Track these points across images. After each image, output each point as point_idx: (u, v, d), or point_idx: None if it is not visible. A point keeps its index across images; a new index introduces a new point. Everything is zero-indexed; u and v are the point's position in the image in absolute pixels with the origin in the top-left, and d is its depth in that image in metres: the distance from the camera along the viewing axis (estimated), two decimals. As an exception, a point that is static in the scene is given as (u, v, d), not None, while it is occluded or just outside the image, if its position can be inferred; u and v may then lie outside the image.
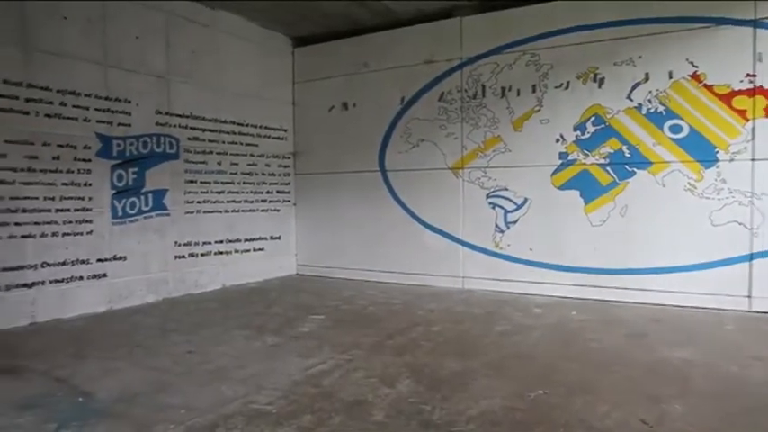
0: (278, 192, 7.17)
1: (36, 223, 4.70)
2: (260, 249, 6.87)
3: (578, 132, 5.64)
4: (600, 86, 5.53)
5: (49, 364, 3.58)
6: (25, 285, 4.65)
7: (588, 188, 5.60)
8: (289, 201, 7.35)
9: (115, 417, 2.76)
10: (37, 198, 4.70)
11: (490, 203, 6.13)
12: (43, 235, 4.75)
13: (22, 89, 4.61)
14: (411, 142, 6.58)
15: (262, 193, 6.92)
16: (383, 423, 2.66)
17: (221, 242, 6.37)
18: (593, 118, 5.57)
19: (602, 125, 5.52)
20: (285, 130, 7.28)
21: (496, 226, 6.09)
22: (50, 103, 4.79)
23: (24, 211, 4.62)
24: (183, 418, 2.71)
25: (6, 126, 4.50)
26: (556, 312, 5.05)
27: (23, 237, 4.62)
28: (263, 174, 6.95)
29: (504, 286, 6.00)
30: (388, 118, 6.71)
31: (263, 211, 6.93)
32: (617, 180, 5.47)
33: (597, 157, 5.55)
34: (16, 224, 4.57)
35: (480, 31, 6.14)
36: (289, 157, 7.35)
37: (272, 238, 7.05)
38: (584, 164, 5.62)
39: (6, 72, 4.50)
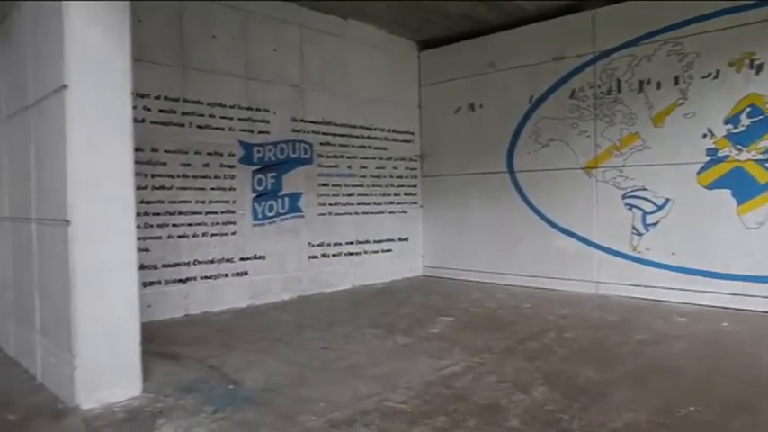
0: (405, 194, 7.29)
1: (189, 225, 5.17)
2: (387, 250, 7.03)
3: (730, 126, 5.14)
4: (758, 73, 4.99)
5: (203, 353, 3.92)
6: (180, 281, 5.13)
7: (742, 187, 5.08)
8: (416, 203, 7.44)
9: (262, 405, 2.96)
10: (190, 202, 5.17)
11: (627, 204, 5.78)
12: (195, 235, 5.22)
13: (178, 104, 5.10)
14: (540, 142, 6.39)
15: (390, 195, 7.08)
16: (519, 429, 2.61)
17: (351, 243, 6.60)
18: (748, 109, 5.05)
19: (761, 116, 4.98)
20: (412, 133, 7.39)
21: (634, 228, 5.72)
22: (201, 115, 5.26)
23: (180, 213, 5.11)
24: (323, 411, 2.84)
25: (166, 137, 5.01)
26: (703, 322, 4.64)
27: (179, 237, 5.11)
28: (391, 176, 7.11)
29: (642, 292, 5.62)
30: (516, 118, 6.57)
31: (390, 212, 7.09)
32: (778, 177, 4.92)
33: (754, 152, 5.02)
34: (173, 225, 5.07)
35: (614, 22, 5.81)
36: (416, 160, 7.44)
37: (399, 239, 7.18)
38: (738, 160, 5.11)
39: (167, 89, 5.01)
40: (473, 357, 3.72)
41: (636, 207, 5.72)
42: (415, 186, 7.44)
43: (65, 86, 2.86)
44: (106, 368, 3.00)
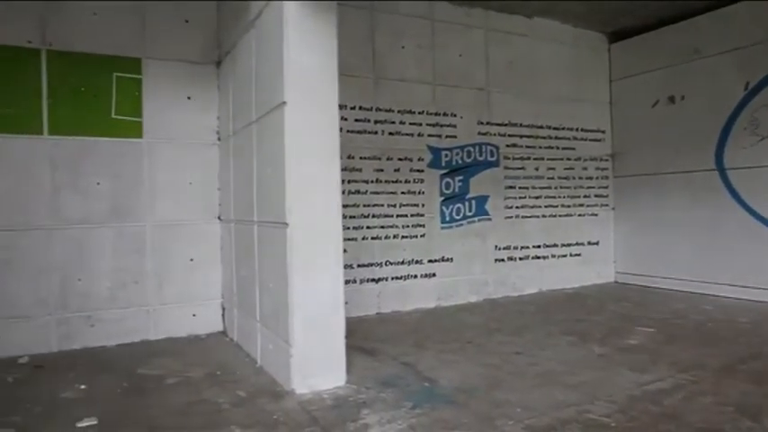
0: (595, 195, 6.92)
1: (382, 227, 5.46)
2: (576, 255, 6.73)
3: None
4: None
5: (397, 350, 4.10)
6: (373, 280, 5.43)
7: None
8: (607, 205, 7.03)
9: (458, 405, 3.01)
10: (382, 205, 5.46)
11: None
12: (386, 237, 5.50)
13: (371, 113, 5.42)
14: (759, 134, 5.62)
15: (579, 197, 6.78)
16: (748, 459, 2.33)
17: (538, 247, 6.44)
18: None
19: None
20: (603, 131, 6.99)
21: None
22: (392, 122, 5.53)
23: (373, 216, 5.42)
24: (521, 417, 2.81)
25: (361, 144, 5.36)
26: None
27: (372, 239, 5.42)
28: (580, 177, 6.80)
29: None
30: (726, 108, 5.86)
31: (579, 215, 6.78)
32: None
33: None
34: (367, 227, 5.39)
35: None
36: (607, 159, 7.03)
37: (589, 243, 6.83)
38: None
39: (361, 99, 5.36)
40: (682, 374, 3.40)
41: None
42: (606, 188, 7.02)
43: (284, 103, 3.21)
44: (316, 358, 3.29)
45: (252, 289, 3.99)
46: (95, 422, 2.87)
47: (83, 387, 3.43)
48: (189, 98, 4.79)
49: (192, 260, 4.79)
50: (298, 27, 3.21)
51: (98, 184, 4.46)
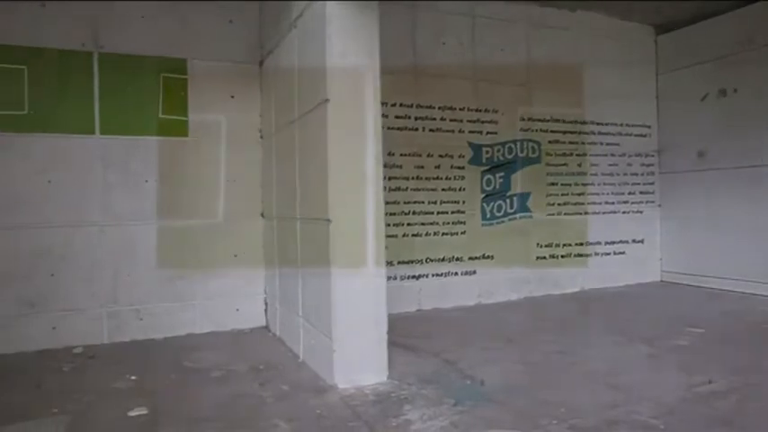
0: (640, 192, 6.75)
1: (422, 224, 5.46)
2: (620, 253, 6.57)
3: None
4: None
5: (438, 347, 4.08)
6: (413, 277, 5.43)
7: None
8: (652, 201, 6.84)
9: (499, 403, 2.98)
10: (423, 202, 5.46)
11: None
12: (427, 234, 5.49)
13: (412, 109, 5.42)
14: (818, 128, 5.39)
15: (623, 194, 6.62)
16: (807, 465, 2.24)
17: (581, 244, 6.32)
18: None
19: None
20: (648, 127, 6.81)
21: None
22: (433, 119, 5.51)
23: (414, 213, 5.41)
24: (565, 417, 2.76)
25: (402, 142, 5.35)
26: None
27: (413, 235, 5.42)
28: (625, 174, 6.64)
29: None
30: (783, 101, 5.64)
31: (624, 212, 6.62)
32: None
33: None
34: (408, 224, 5.39)
35: None
36: (652, 155, 6.84)
37: (633, 241, 6.67)
38: None
39: (402, 96, 5.35)
40: (737, 377, 3.29)
41: None
42: (651, 184, 6.84)
43: (327, 100, 3.24)
44: (359, 354, 3.31)
45: (294, 285, 4.05)
46: (145, 412, 2.96)
47: (133, 378, 3.55)
48: (232, 97, 4.89)
49: (235, 256, 4.89)
50: (340, 26, 3.24)
51: (146, 182, 4.59)
